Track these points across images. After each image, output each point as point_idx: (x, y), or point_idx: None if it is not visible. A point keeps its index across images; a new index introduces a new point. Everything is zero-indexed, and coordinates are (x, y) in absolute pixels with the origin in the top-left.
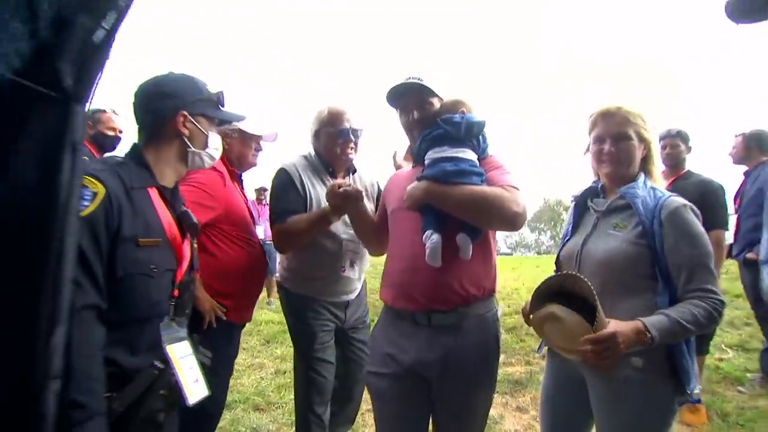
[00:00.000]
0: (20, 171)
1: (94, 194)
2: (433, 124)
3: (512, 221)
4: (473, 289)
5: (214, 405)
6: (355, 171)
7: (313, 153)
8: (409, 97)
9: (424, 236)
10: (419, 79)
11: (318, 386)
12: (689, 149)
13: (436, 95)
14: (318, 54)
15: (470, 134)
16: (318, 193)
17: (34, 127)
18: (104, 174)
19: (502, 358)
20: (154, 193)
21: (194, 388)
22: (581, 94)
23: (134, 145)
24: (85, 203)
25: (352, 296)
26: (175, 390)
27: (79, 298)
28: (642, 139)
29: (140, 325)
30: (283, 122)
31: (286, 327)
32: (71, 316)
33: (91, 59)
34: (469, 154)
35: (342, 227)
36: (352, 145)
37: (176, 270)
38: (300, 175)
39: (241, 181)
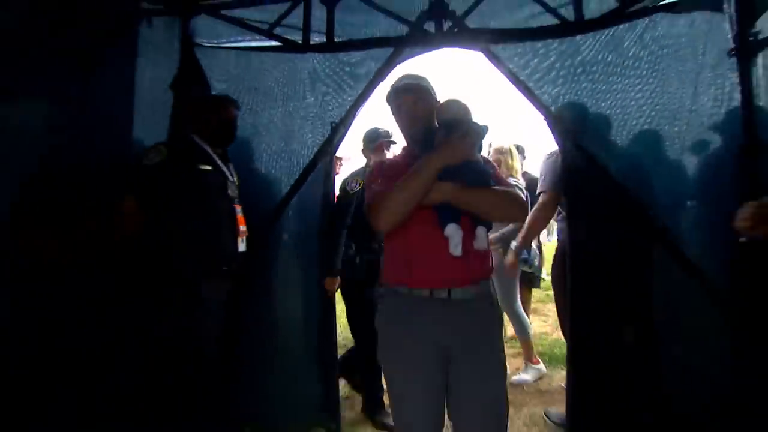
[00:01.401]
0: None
1: (358, 183)
2: (433, 122)
3: (521, 216)
4: (482, 270)
5: None
6: None
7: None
8: (409, 95)
9: (446, 230)
10: (417, 78)
11: None
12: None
13: (432, 94)
14: None
15: (480, 140)
16: None
17: (324, 165)
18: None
19: None
20: None
21: None
22: None
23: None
24: (356, 187)
25: None
26: None
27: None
28: (500, 162)
29: None
30: None
31: None
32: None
33: (340, 139)
34: (479, 157)
35: None
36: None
37: None
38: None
39: None
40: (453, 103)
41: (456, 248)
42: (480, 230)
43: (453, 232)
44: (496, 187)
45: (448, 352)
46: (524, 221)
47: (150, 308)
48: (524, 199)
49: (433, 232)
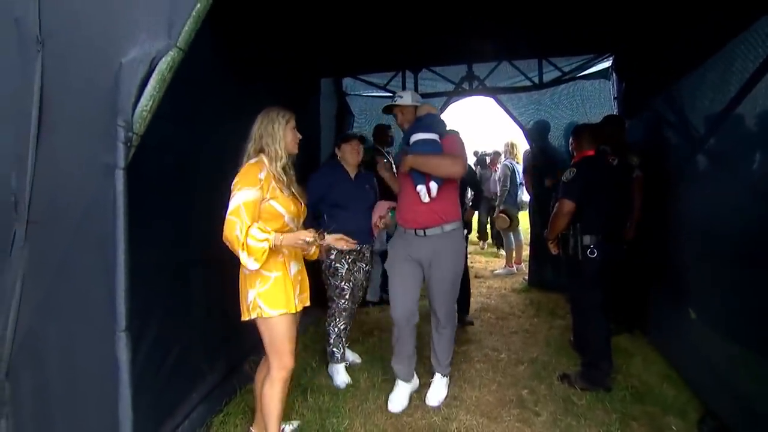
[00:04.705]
0: None
1: None
2: (415, 121)
3: (456, 174)
4: (446, 215)
5: None
6: None
7: None
8: (396, 109)
9: (417, 188)
10: (400, 97)
11: None
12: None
13: (411, 105)
14: None
15: (435, 125)
16: None
17: None
18: None
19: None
20: None
21: None
22: None
23: None
24: None
25: None
26: None
27: None
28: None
29: None
30: None
31: None
32: None
33: None
34: (434, 136)
35: None
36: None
37: None
38: None
39: None
40: (422, 107)
41: (424, 198)
42: (432, 184)
43: (420, 188)
44: (438, 156)
45: (423, 265)
46: (461, 175)
47: None
48: (462, 160)
49: (413, 190)
